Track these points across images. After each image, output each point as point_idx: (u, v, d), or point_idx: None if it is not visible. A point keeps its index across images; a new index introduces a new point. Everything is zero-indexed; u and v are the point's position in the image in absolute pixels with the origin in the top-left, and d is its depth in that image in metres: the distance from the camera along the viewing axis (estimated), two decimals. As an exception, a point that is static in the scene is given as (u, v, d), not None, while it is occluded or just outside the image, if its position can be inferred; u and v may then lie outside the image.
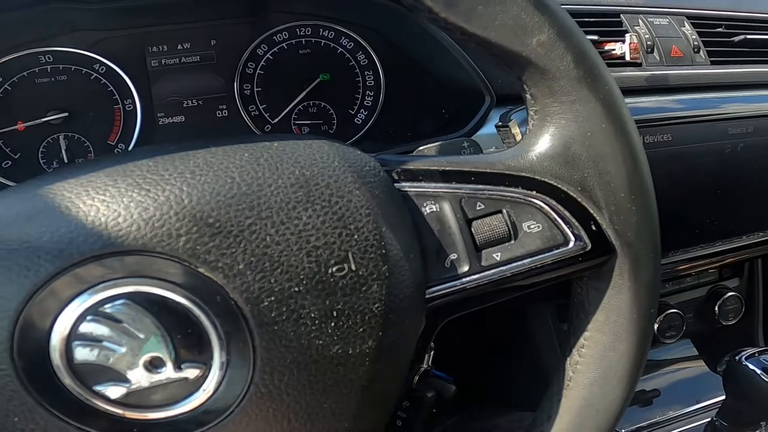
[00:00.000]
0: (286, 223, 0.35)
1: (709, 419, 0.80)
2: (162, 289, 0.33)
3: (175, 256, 0.33)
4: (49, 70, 0.71)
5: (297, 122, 0.80)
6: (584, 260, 0.43)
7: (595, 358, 0.46)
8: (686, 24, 0.81)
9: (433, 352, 0.76)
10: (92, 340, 0.33)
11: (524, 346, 0.91)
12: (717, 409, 0.78)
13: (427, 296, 0.41)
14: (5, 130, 0.70)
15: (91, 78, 0.72)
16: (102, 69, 0.73)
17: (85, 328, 0.33)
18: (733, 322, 0.95)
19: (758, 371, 0.69)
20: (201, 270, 0.34)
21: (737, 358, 0.71)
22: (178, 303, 0.34)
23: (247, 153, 0.37)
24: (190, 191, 0.34)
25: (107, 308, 0.33)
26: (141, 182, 0.34)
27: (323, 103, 0.80)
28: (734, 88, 0.81)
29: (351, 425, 0.39)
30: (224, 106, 0.78)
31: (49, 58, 0.70)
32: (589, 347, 0.46)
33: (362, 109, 0.81)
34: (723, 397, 0.77)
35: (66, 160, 0.72)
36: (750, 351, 0.72)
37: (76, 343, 0.33)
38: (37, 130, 0.71)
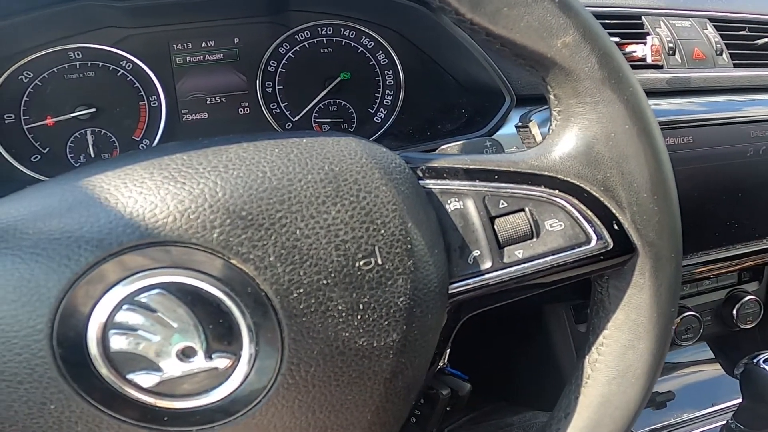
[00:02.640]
0: (315, 217, 0.36)
1: (724, 422, 0.79)
2: (195, 279, 0.34)
3: (209, 248, 0.34)
4: (77, 66, 0.72)
5: (317, 120, 0.81)
6: (606, 259, 0.44)
7: (614, 356, 0.46)
8: (709, 26, 0.81)
9: (448, 351, 0.77)
10: (128, 329, 0.34)
11: (540, 346, 0.91)
12: (732, 412, 0.78)
13: (449, 291, 0.41)
14: (35, 125, 0.72)
15: (118, 74, 0.74)
16: (128, 65, 0.74)
17: (122, 317, 0.34)
18: (752, 325, 0.94)
19: (776, 375, 0.69)
20: (233, 261, 0.34)
21: (755, 361, 0.71)
22: (210, 293, 0.34)
23: (277, 149, 0.38)
24: (223, 185, 0.35)
25: (143, 297, 0.34)
26: (176, 175, 0.35)
27: (343, 102, 0.81)
28: (757, 91, 0.81)
29: (373, 417, 0.39)
30: (246, 104, 0.79)
31: (78, 54, 0.72)
32: (608, 345, 0.47)
33: (382, 108, 0.82)
34: (739, 400, 0.77)
35: (93, 155, 0.74)
36: (768, 354, 0.71)
37: (113, 331, 0.34)
38: (66, 125, 0.73)
